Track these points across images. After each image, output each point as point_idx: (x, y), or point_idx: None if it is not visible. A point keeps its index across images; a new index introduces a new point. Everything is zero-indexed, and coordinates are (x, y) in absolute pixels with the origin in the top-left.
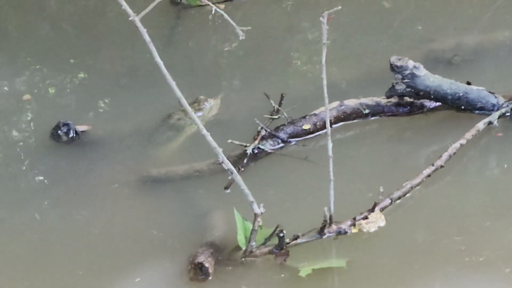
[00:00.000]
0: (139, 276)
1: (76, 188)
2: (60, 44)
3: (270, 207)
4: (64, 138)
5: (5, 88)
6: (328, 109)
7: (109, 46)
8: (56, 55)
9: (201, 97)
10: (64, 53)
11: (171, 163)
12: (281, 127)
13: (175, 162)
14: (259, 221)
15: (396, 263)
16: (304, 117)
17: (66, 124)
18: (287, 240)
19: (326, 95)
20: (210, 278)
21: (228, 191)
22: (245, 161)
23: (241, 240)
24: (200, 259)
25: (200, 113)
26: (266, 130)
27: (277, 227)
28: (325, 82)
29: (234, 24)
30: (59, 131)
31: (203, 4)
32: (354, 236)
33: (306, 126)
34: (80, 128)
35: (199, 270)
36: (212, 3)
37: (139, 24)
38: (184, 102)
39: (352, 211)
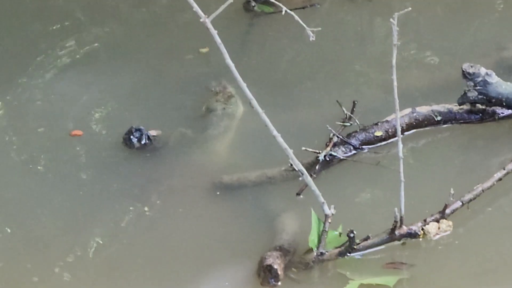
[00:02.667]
0: (210, 279)
1: (150, 194)
2: (131, 50)
3: (343, 212)
4: (137, 144)
5: (79, 95)
6: (398, 111)
7: (178, 50)
8: (127, 61)
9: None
10: (135, 58)
11: (242, 169)
12: (353, 134)
13: (247, 168)
14: (329, 222)
15: (463, 274)
16: (376, 124)
17: (139, 130)
18: (357, 241)
19: (396, 96)
20: (279, 283)
21: (301, 196)
22: (317, 167)
23: (313, 241)
24: (269, 261)
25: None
26: (338, 137)
27: (349, 233)
28: (395, 83)
29: (304, 25)
30: (131, 137)
31: (276, 12)
32: (420, 244)
33: (378, 133)
34: (152, 132)
35: (268, 272)
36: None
37: (209, 26)
38: (255, 103)
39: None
